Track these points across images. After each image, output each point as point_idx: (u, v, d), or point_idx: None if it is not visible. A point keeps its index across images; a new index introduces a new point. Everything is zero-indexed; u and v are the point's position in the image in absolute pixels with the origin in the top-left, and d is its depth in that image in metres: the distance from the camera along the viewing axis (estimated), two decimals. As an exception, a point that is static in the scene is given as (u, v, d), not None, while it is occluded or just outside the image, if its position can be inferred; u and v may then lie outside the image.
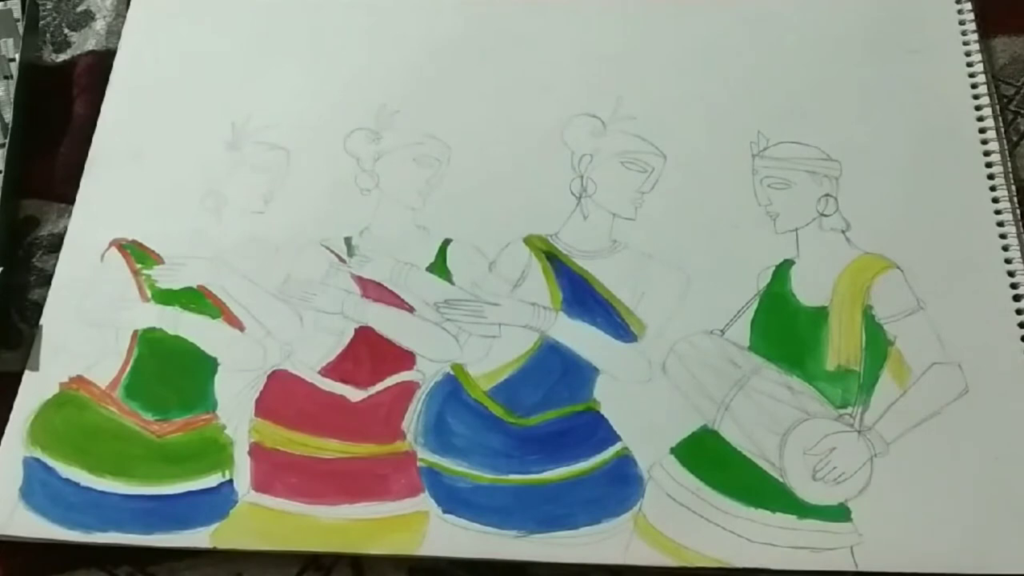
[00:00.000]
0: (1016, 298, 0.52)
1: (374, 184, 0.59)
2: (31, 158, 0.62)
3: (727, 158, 0.58)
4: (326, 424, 0.52)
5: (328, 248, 0.57)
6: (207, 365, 0.54)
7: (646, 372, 0.53)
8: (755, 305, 0.54)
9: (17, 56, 0.63)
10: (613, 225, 0.57)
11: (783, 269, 0.54)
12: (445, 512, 0.49)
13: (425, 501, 0.50)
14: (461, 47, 0.63)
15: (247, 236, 0.58)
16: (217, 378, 0.54)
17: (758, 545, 0.48)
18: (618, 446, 0.51)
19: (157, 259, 0.58)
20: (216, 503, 0.51)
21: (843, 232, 0.55)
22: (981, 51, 0.59)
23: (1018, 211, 0.55)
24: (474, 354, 0.53)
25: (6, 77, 0.63)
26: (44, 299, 0.57)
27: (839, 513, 0.48)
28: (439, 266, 0.56)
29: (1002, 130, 0.57)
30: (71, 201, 0.60)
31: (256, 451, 0.52)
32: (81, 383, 0.54)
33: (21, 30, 0.64)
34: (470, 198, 0.58)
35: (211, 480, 0.51)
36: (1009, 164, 0.56)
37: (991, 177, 0.56)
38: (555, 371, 0.53)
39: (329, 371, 0.54)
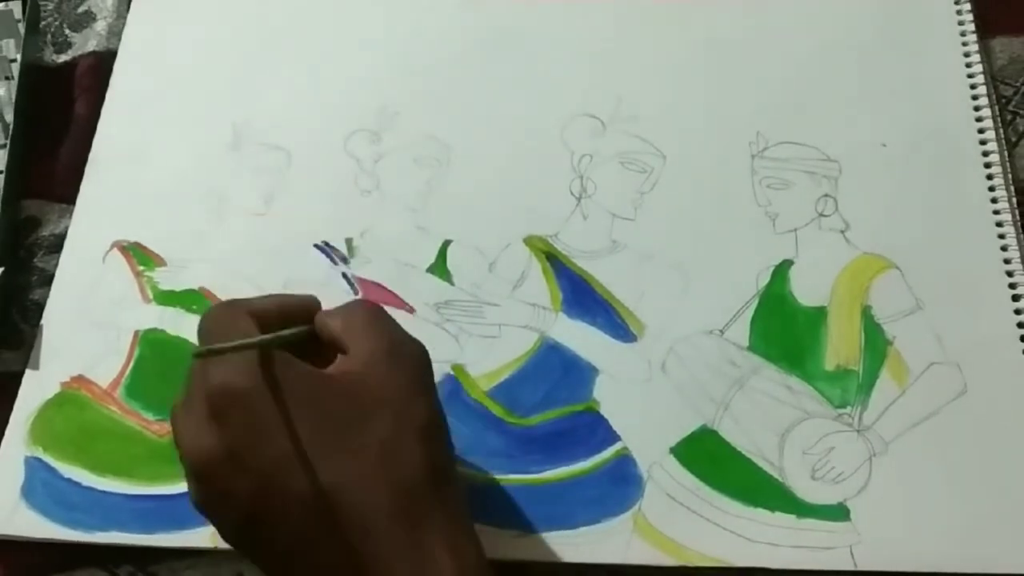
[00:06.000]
0: (1015, 298, 0.53)
1: (375, 185, 0.59)
2: (32, 159, 0.62)
3: (726, 158, 0.58)
4: (327, 424, 0.52)
5: (329, 249, 0.57)
6: (208, 365, 0.54)
7: (646, 372, 0.53)
8: (754, 305, 0.54)
9: (18, 57, 0.63)
10: (613, 225, 0.57)
11: (782, 269, 0.55)
12: (445, 512, 0.50)
13: (425, 501, 0.50)
14: (461, 48, 0.63)
15: (248, 237, 0.58)
16: (218, 378, 0.54)
17: (757, 544, 0.48)
18: (618, 446, 0.51)
19: (159, 261, 0.58)
20: (217, 503, 0.51)
21: (842, 232, 0.55)
22: (980, 51, 0.59)
23: (1017, 211, 0.55)
24: (474, 354, 0.54)
25: (7, 78, 0.63)
26: (45, 299, 0.57)
27: (838, 512, 0.48)
28: (439, 267, 0.56)
29: (1001, 130, 0.57)
30: (72, 201, 0.60)
31: (257, 451, 0.52)
32: (82, 383, 0.55)
33: (22, 31, 0.64)
34: (470, 199, 0.58)
35: (212, 480, 0.51)
36: (1008, 164, 0.56)
37: (990, 177, 0.56)
38: (555, 371, 0.53)
39: (330, 371, 0.54)
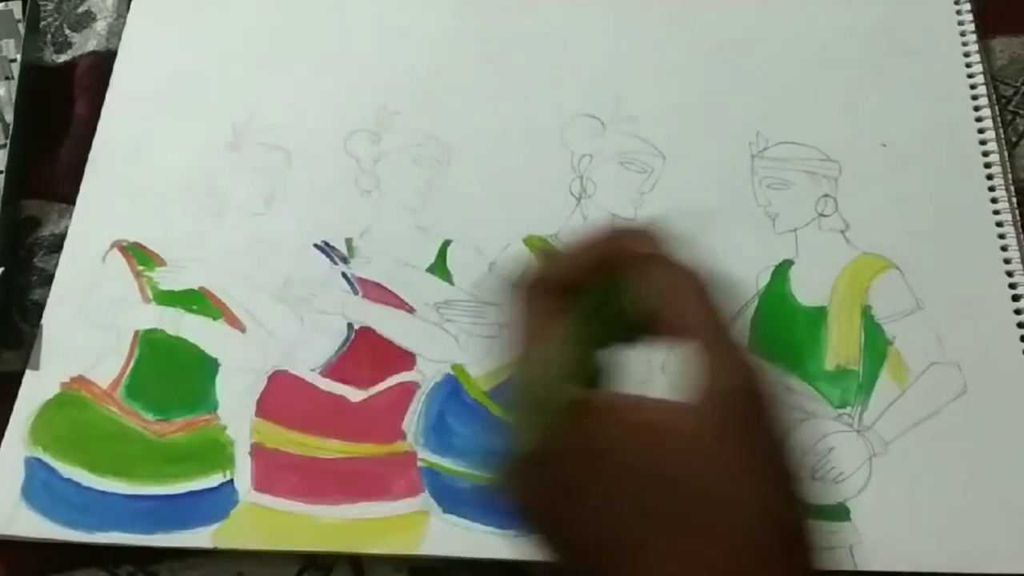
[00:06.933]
0: (1015, 298, 0.53)
1: (374, 185, 0.59)
2: (32, 159, 0.62)
3: (726, 159, 0.58)
4: (327, 424, 0.52)
5: (329, 249, 0.57)
6: (208, 366, 0.54)
7: (646, 372, 0.53)
8: (754, 305, 0.54)
9: (18, 57, 0.63)
10: (613, 225, 0.57)
11: (782, 269, 0.55)
12: (445, 512, 0.50)
13: (425, 501, 0.50)
14: (461, 48, 0.63)
15: (248, 237, 0.58)
16: (218, 379, 0.54)
17: (757, 544, 0.48)
18: (618, 446, 0.51)
19: (159, 261, 0.58)
20: (217, 503, 0.51)
21: (842, 232, 0.55)
22: (980, 52, 0.59)
23: (1016, 211, 0.55)
24: (474, 354, 0.54)
25: (7, 78, 0.63)
26: (45, 299, 0.57)
27: (838, 512, 0.48)
28: (439, 267, 0.56)
29: (1001, 130, 0.57)
30: (72, 201, 0.60)
31: (257, 451, 0.52)
32: (82, 383, 0.54)
33: (22, 31, 0.64)
34: (470, 199, 0.58)
35: (212, 480, 0.51)
36: (1008, 164, 0.56)
37: (990, 177, 0.56)
38: (555, 371, 0.53)
39: (330, 372, 0.54)
